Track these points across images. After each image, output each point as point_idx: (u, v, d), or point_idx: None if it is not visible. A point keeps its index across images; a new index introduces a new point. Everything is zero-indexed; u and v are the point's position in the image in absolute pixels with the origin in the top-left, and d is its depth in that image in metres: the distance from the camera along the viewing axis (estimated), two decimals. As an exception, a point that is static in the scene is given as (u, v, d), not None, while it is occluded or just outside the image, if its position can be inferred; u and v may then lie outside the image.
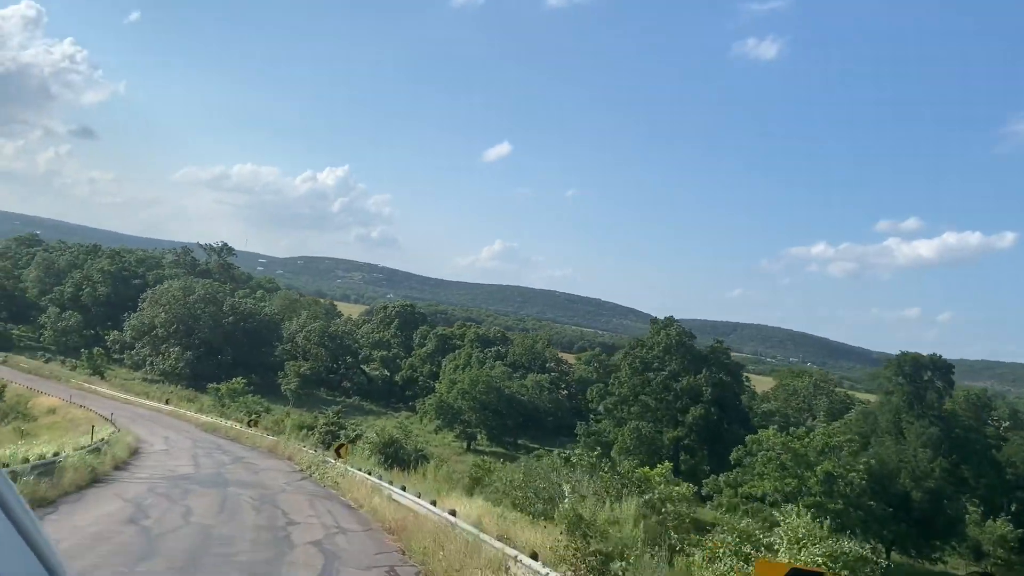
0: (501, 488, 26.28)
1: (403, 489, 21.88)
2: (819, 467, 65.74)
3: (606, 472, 23.17)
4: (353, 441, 43.63)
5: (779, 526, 15.62)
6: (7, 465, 16.79)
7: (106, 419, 46.07)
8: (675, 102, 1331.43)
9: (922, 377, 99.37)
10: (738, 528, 15.50)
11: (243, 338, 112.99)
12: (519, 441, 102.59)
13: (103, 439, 28.14)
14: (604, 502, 18.02)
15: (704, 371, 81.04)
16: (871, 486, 67.24)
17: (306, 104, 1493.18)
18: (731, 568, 13.71)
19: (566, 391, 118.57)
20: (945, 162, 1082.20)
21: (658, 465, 23.74)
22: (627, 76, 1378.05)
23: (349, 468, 28.07)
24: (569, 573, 11.36)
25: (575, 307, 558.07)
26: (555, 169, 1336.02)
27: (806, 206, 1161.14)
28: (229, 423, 57.81)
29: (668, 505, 21.71)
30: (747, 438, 71.17)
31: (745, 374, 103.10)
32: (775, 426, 71.57)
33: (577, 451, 23.66)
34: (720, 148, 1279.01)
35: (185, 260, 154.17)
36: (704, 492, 66.45)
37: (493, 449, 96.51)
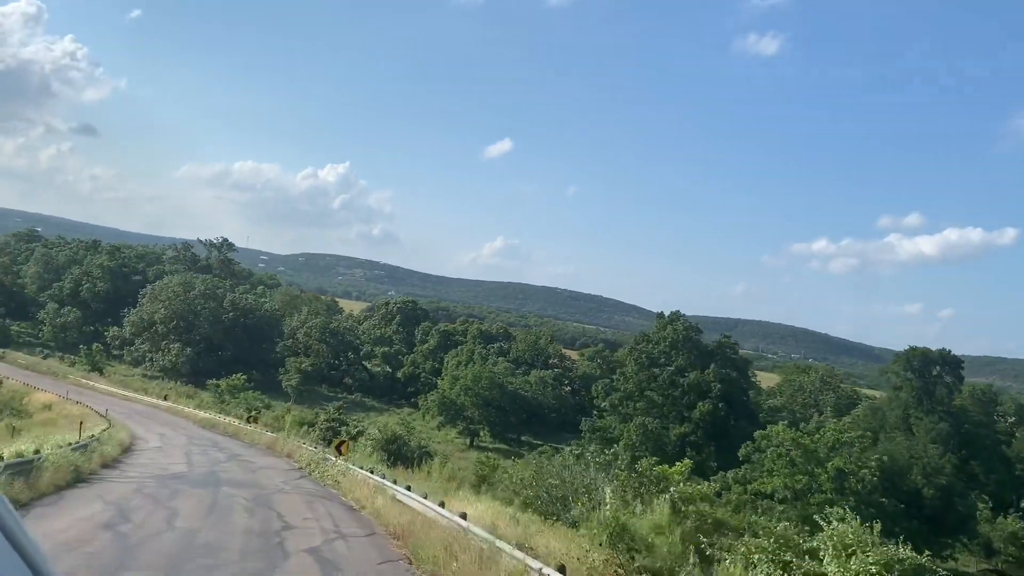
0: (511, 487, 25.02)
1: (408, 489, 20.41)
2: (830, 464, 64.58)
3: (622, 470, 21.86)
4: (354, 438, 42.37)
5: (821, 531, 14.30)
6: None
7: (101, 415, 44.93)
8: (676, 98, 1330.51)
9: (931, 372, 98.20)
10: (776, 532, 14.17)
11: (243, 334, 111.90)
12: (522, 438, 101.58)
13: (93, 436, 26.86)
14: (632, 505, 16.61)
15: (712, 366, 79.71)
16: (882, 483, 66.10)
17: (307, 101, 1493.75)
18: (769, 576, 12.50)
19: (569, 387, 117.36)
20: (947, 158, 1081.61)
21: (677, 463, 22.45)
22: (628, 73, 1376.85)
23: (350, 466, 26.71)
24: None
25: (577, 304, 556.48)
26: (557, 166, 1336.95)
27: (808, 202, 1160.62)
28: (228, 420, 56.64)
29: (690, 505, 20.41)
30: (756, 434, 69.93)
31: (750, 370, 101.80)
32: (785, 422, 70.18)
33: (591, 448, 22.30)
34: (721, 144, 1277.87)
35: (185, 256, 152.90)
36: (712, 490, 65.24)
37: (496, 446, 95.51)
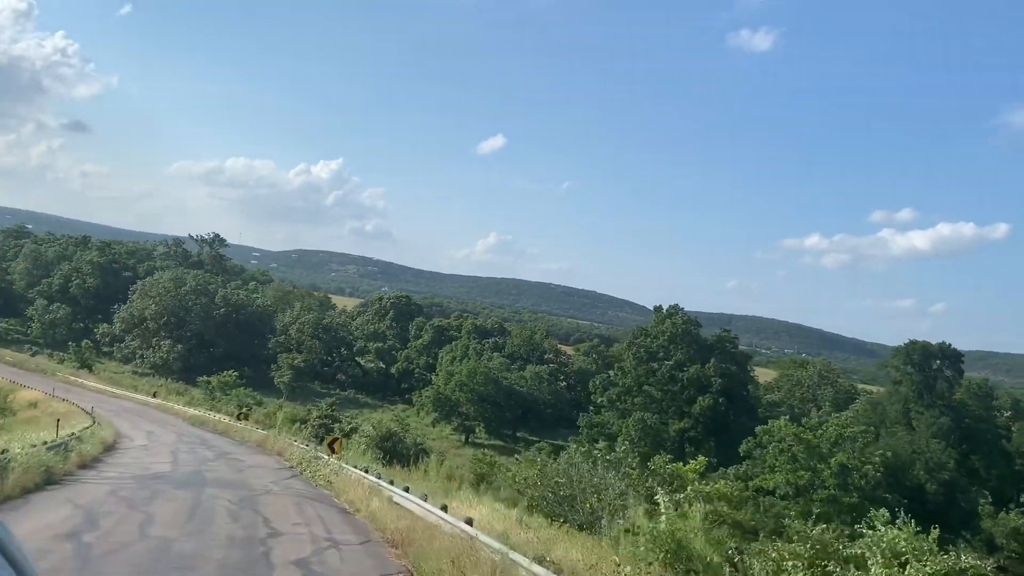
0: (515, 487, 23.72)
1: (406, 490, 18.97)
2: (833, 459, 63.55)
3: (633, 468, 20.61)
4: (348, 435, 41.04)
5: (863, 536, 13.01)
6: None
7: (87, 413, 43.56)
8: (669, 94, 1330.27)
9: (931, 366, 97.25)
10: (812, 536, 12.85)
11: (235, 330, 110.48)
12: (518, 434, 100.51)
13: (73, 434, 25.45)
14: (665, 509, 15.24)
15: (712, 360, 78.53)
16: (885, 478, 65.19)
17: (300, 97, 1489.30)
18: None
19: (565, 383, 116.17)
20: (939, 153, 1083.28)
21: (691, 461, 21.17)
22: (621, 68, 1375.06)
23: (344, 465, 25.28)
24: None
25: (571, 299, 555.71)
26: (550, 162, 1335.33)
27: (800, 197, 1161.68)
28: (218, 417, 55.32)
29: (707, 505, 19.15)
30: (758, 429, 68.90)
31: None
32: (785, 417, 69.10)
33: (599, 445, 20.99)
34: (714, 140, 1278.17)
35: (176, 252, 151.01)
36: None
37: (492, 442, 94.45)
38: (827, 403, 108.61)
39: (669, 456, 19.99)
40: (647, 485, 19.98)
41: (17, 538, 1.77)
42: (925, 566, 10.79)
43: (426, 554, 11.67)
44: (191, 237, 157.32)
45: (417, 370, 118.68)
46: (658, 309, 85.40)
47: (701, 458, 21.76)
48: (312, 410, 57.45)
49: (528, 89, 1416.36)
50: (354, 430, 44.68)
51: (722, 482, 20.23)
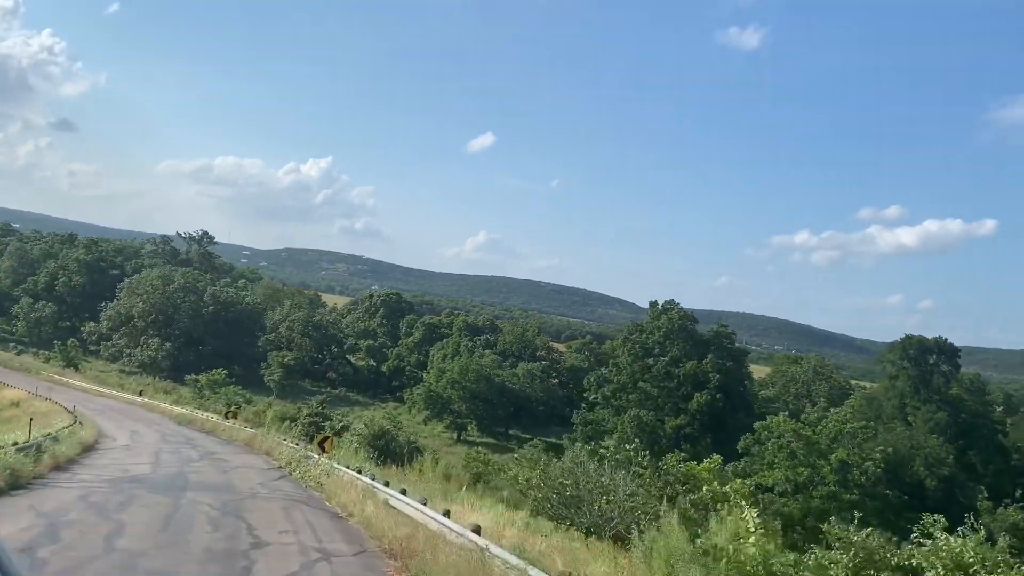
0: (517, 488, 22.45)
1: (403, 493, 17.72)
2: (833, 456, 62.61)
3: (644, 468, 19.37)
4: (339, 433, 39.74)
5: (912, 543, 11.78)
6: None
7: (69, 412, 42.15)
8: (658, 92, 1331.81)
9: (927, 361, 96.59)
10: (855, 542, 11.60)
11: (224, 328, 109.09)
12: (510, 431, 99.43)
13: (49, 434, 24.05)
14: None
15: (710, 356, 77.43)
16: (885, 474, 64.38)
17: (289, 95, 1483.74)
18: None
19: (557, 380, 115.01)
20: (927, 150, 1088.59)
21: (705, 459, 19.95)
22: (610, 66, 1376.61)
23: (335, 465, 23.88)
24: None
25: (561, 297, 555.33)
26: (539, 159, 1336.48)
27: (789, 194, 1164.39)
28: (206, 415, 53.91)
29: (719, 507, 17.92)
30: (756, 425, 67.90)
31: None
32: (785, 412, 68.12)
33: (606, 443, 19.67)
34: (703, 137, 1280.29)
35: (164, 250, 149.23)
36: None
37: (484, 440, 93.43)
38: (822, 399, 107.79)
39: (682, 454, 18.72)
40: (658, 485, 18.70)
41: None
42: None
43: (431, 569, 10.19)
44: (179, 235, 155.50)
45: (408, 368, 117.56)
46: (653, 304, 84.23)
47: (716, 456, 20.52)
48: (302, 408, 56.07)
49: (517, 87, 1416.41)
50: (345, 428, 43.38)
51: (738, 481, 18.97)
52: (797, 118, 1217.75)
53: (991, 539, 46.77)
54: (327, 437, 28.14)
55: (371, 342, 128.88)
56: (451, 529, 12.40)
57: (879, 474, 63.93)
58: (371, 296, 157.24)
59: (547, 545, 12.35)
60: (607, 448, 20.97)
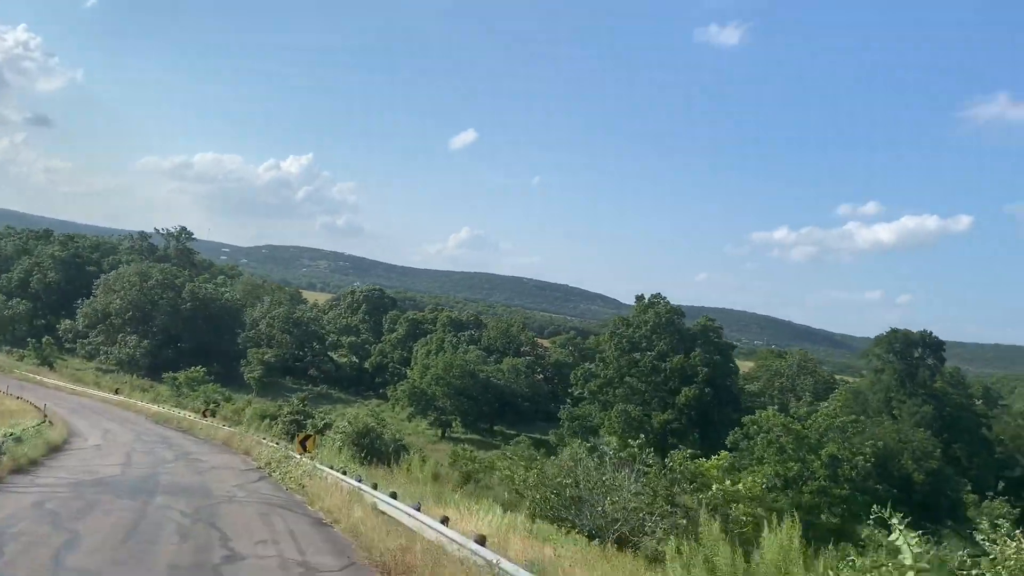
0: (513, 488, 21.23)
1: (394, 496, 16.15)
2: (824, 450, 61.94)
3: (650, 466, 18.20)
4: (321, 431, 38.40)
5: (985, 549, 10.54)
6: None
7: (39, 410, 40.53)
8: (638, 88, 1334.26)
9: (913, 354, 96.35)
10: (918, 550, 10.27)
11: (203, 325, 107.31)
12: (495, 427, 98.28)
13: (11, 434, 22.54)
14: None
15: (697, 350, 76.54)
16: (874, 468, 63.85)
17: (269, 91, 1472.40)
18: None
19: (542, 375, 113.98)
20: (904, 146, 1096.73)
21: (713, 456, 18.82)
22: (590, 62, 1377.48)
23: (318, 465, 22.46)
24: None
25: (544, 293, 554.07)
26: (521, 156, 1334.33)
27: (769, 191, 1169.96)
28: (184, 414, 52.41)
29: (733, 507, 16.83)
30: (745, 419, 67.12)
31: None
32: (775, 407, 67.38)
33: (608, 439, 18.41)
34: (684, 135, 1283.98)
35: (142, 246, 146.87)
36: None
37: (469, 436, 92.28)
38: (807, 393, 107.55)
39: (688, 450, 17.59)
40: (664, 484, 17.53)
41: None
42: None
43: (433, 591, 9.05)
44: (157, 231, 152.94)
45: (391, 364, 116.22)
46: (639, 298, 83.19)
47: (724, 453, 19.42)
48: (283, 406, 54.58)
49: (498, 84, 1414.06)
50: (328, 426, 42.06)
51: (749, 479, 17.88)
52: (776, 115, 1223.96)
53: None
54: (309, 436, 26.80)
55: (353, 339, 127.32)
56: (451, 539, 11.09)
57: (869, 468, 63.37)
58: (353, 292, 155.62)
59: (559, 555, 11.13)
60: (607, 444, 19.71)
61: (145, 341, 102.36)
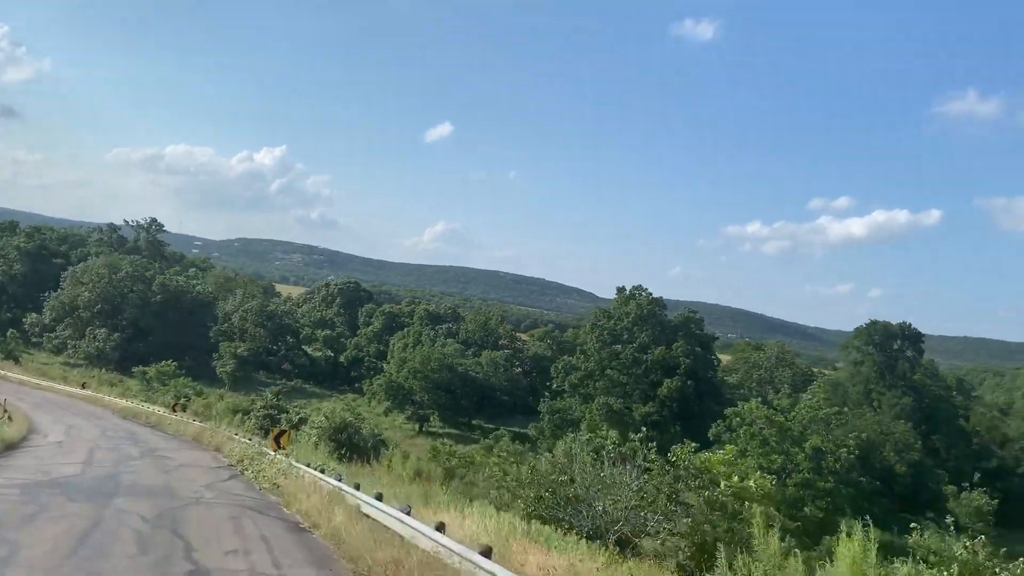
0: (504, 485, 19.89)
1: (379, 498, 14.45)
2: (808, 443, 61.21)
3: (653, 461, 16.94)
4: (296, 426, 36.83)
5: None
6: None
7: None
8: (613, 82, 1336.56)
9: (892, 346, 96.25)
10: (958, 558, 9.24)
11: (174, 318, 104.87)
12: (473, 421, 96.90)
13: (-38, 431, 20.91)
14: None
15: (680, 341, 75.60)
16: (857, 460, 63.35)
17: (242, 83, 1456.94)
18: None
19: (520, 369, 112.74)
20: (875, 141, 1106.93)
21: (719, 451, 17.60)
22: (565, 56, 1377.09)
23: (293, 463, 20.95)
24: None
25: (520, 287, 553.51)
26: (497, 150, 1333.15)
27: (742, 185, 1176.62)
28: (152, 408, 50.48)
29: (745, 506, 15.57)
30: (727, 412, 66.31)
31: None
32: (758, 399, 66.64)
33: (604, 434, 17.18)
34: (658, 129, 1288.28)
35: (111, 238, 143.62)
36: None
37: (447, 431, 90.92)
38: (786, 385, 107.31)
39: (694, 444, 16.35)
40: (668, 481, 16.28)
41: None
42: None
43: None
44: (127, 223, 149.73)
45: (367, 358, 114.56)
46: (621, 290, 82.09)
47: (730, 447, 18.21)
48: (256, 400, 52.85)
49: (475, 77, 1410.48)
50: (303, 421, 40.51)
51: (757, 475, 16.70)
52: (750, 110, 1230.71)
53: (958, 525, 45.18)
54: (284, 431, 25.28)
55: (328, 332, 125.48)
56: (450, 550, 9.74)
57: (852, 461, 62.83)
58: (328, 285, 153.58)
59: (574, 567, 9.78)
60: (605, 437, 18.42)
61: (115, 334, 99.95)
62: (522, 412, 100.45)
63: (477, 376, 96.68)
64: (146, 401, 57.06)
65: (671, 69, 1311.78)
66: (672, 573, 12.26)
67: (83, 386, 67.53)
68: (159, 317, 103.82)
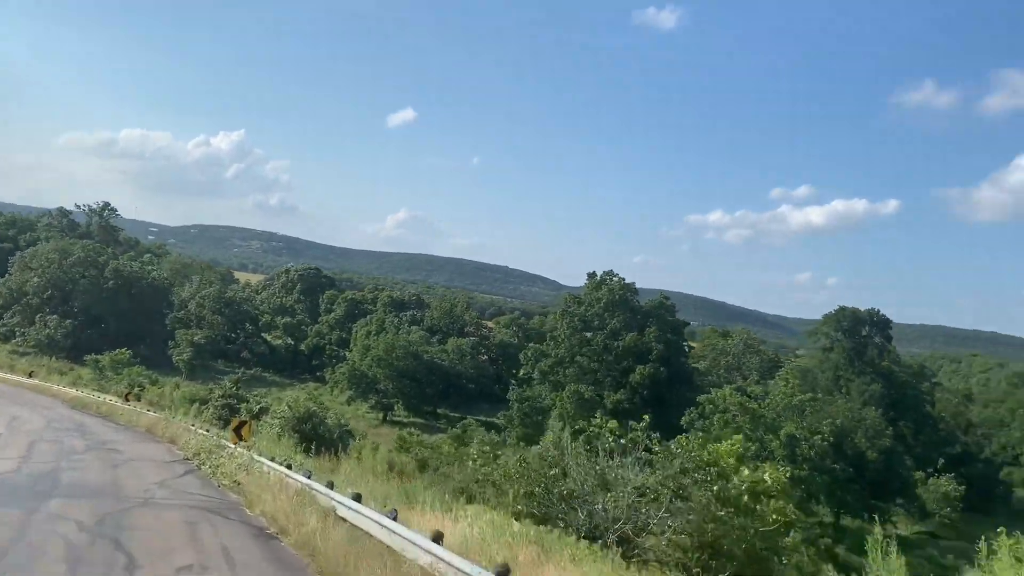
0: (490, 480, 18.19)
1: (358, 499, 12.29)
2: (783, 430, 60.48)
3: (656, 453, 15.38)
4: (257, 416, 34.79)
5: None
6: None
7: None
8: (578, 70, 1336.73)
9: (860, 333, 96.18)
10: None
11: (128, 305, 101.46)
12: (439, 410, 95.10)
13: None
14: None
15: (652, 327, 74.39)
16: (831, 448, 62.86)
17: (199, 66, 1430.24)
18: None
19: (486, 356, 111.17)
20: (835, 131, 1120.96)
21: (726, 441, 16.09)
22: (528, 43, 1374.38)
23: (256, 456, 18.94)
24: None
25: (483, 275, 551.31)
26: (460, 136, 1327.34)
27: (704, 174, 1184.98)
28: (105, 398, 47.98)
29: (761, 502, 14.07)
30: (700, 399, 65.24)
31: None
32: (732, 385, 65.74)
33: (599, 422, 15.56)
34: (621, 117, 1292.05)
35: (62, 223, 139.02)
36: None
37: (412, 419, 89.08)
38: (754, 372, 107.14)
39: (701, 435, 14.76)
40: (672, 475, 14.69)
41: None
42: None
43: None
44: (78, 207, 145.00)
45: (329, 346, 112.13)
46: (591, 275, 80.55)
47: (737, 437, 16.73)
48: (214, 389, 50.59)
49: (437, 62, 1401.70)
50: (264, 411, 38.45)
51: (770, 468, 15.21)
52: (712, 99, 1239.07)
53: (923, 509, 44.73)
54: (244, 422, 23.32)
55: (288, 319, 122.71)
56: (458, 570, 7.88)
57: (826, 448, 62.26)
58: (288, 272, 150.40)
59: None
60: (601, 427, 16.75)
61: (66, 321, 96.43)
62: (488, 400, 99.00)
63: (443, 364, 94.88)
64: (98, 390, 54.57)
65: (634, 57, 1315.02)
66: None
67: (30, 375, 64.57)
68: (112, 304, 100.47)
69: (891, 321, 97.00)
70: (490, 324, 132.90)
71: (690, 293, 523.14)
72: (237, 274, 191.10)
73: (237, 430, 22.78)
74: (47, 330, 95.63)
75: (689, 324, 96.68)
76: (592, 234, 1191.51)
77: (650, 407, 72.89)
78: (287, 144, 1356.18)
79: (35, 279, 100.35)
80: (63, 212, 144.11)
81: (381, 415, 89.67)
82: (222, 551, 11.47)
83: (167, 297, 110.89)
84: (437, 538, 8.78)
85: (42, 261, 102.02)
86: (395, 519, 10.24)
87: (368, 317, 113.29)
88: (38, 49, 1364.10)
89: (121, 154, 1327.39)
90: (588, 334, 75.54)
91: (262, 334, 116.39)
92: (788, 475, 16.18)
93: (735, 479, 14.31)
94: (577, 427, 18.80)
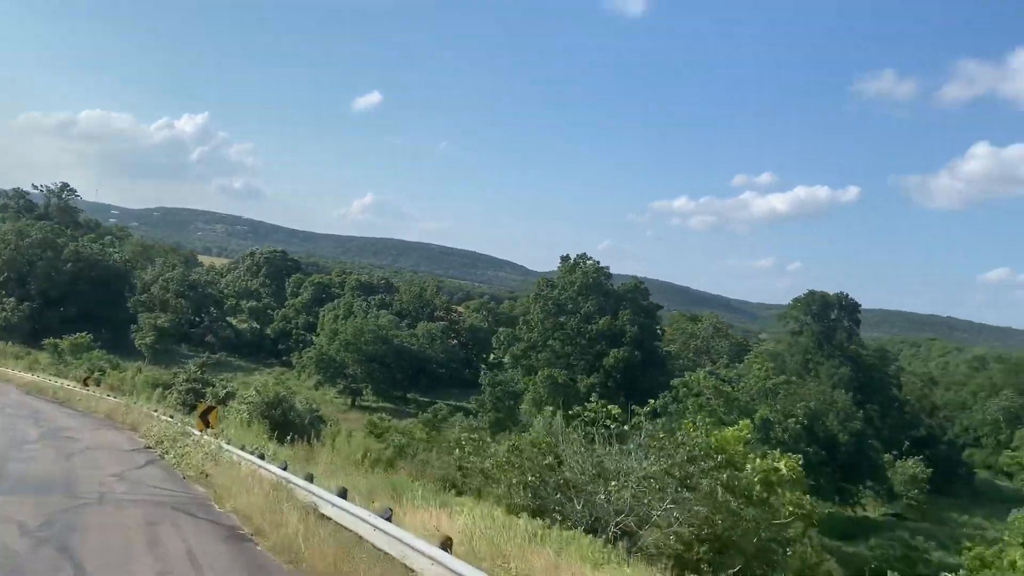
0: (477, 468, 17.05)
1: (344, 495, 10.82)
2: (757, 414, 60.07)
3: (660, 439, 14.33)
4: (224, 401, 33.29)
5: None
6: None
7: None
8: (545, 55, 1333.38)
9: (829, 316, 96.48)
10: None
11: (88, 288, 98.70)
12: (408, 395, 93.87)
13: None
14: None
15: (626, 310, 73.65)
16: (804, 431, 62.75)
17: (162, 46, 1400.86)
18: None
19: (456, 340, 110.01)
20: (797, 119, 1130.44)
21: (732, 426, 15.06)
22: (498, 27, 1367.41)
23: (224, 445, 17.54)
24: None
25: (450, 260, 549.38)
26: (427, 120, 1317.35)
27: (669, 161, 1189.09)
28: (62, 383, 46.11)
29: (776, 493, 13.11)
30: (674, 382, 64.64)
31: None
32: (705, 369, 65.26)
33: (595, 406, 14.52)
34: (589, 102, 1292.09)
35: (19, 204, 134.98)
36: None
37: (381, 404, 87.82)
38: (724, 356, 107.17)
39: (708, 418, 13.77)
40: (678, 463, 13.67)
41: None
42: None
43: None
44: (35, 188, 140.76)
45: (296, 330, 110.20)
46: (565, 259, 79.56)
47: (744, 422, 15.75)
48: (178, 373, 48.86)
49: (403, 45, 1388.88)
50: (231, 396, 36.95)
51: (783, 457, 14.25)
52: (677, 85, 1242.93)
53: (891, 491, 44.62)
54: (212, 407, 21.97)
55: (254, 303, 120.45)
56: (449, 569, 6.88)
57: (799, 431, 62.10)
58: (253, 254, 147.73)
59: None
60: (593, 411, 15.66)
61: (24, 304, 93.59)
62: (458, 385, 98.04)
63: (412, 348, 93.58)
64: (55, 375, 52.67)
65: (600, 44, 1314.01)
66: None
67: (-16, 360, 62.24)
68: (71, 287, 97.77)
69: (860, 305, 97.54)
70: (460, 309, 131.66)
71: (655, 278, 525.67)
72: (201, 257, 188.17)
73: (204, 416, 21.44)
74: (3, 313, 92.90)
75: (662, 308, 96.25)
76: (559, 219, 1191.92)
77: (623, 390, 72.48)
78: (252, 127, 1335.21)
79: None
80: (20, 193, 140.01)
81: (350, 400, 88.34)
82: (188, 557, 10.08)
83: (129, 280, 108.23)
84: (445, 545, 7.48)
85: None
86: (390, 520, 8.96)
87: (336, 301, 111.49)
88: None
89: (81, 135, 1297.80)
90: (562, 318, 74.68)
91: (227, 318, 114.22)
92: (800, 463, 15.22)
93: (748, 467, 13.31)
94: (572, 411, 17.66)
